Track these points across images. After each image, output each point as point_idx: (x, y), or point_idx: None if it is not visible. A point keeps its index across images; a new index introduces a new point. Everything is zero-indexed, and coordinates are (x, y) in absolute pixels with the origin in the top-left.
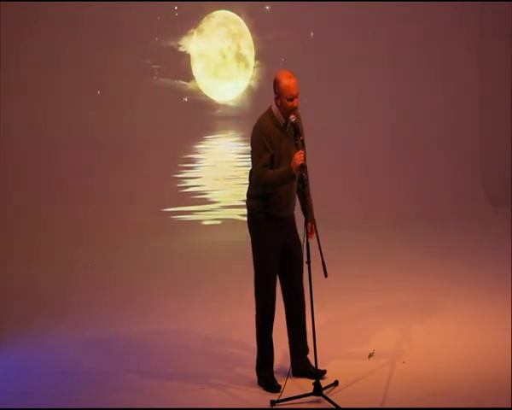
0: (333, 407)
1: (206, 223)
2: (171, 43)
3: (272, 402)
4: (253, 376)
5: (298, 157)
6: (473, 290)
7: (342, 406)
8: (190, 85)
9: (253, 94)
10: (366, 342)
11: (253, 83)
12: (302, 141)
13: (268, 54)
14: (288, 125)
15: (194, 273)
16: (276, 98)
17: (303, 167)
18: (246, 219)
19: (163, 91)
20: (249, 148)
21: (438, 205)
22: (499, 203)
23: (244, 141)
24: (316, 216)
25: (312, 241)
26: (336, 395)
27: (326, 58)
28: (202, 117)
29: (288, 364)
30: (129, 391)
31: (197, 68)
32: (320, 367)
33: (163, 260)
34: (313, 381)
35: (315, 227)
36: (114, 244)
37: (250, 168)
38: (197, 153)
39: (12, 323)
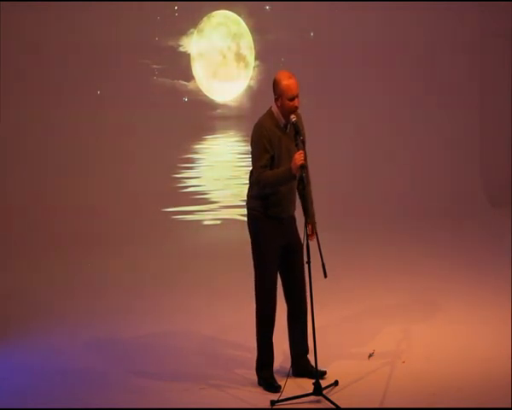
0: (333, 407)
1: (206, 223)
2: (171, 43)
3: (272, 402)
4: (253, 376)
5: (298, 157)
6: (472, 290)
7: (342, 406)
8: (190, 85)
9: (253, 94)
10: (366, 342)
11: (252, 83)
12: (302, 141)
13: (268, 54)
14: (289, 125)
15: (194, 273)
16: (276, 99)
17: (303, 168)
18: (246, 219)
19: (163, 91)
20: (249, 148)
21: (438, 205)
22: (499, 203)
23: (244, 141)
24: (316, 216)
25: (312, 241)
26: (336, 395)
27: (326, 58)
28: (202, 117)
29: (288, 364)
30: (128, 392)
31: (197, 68)
32: (320, 367)
33: (163, 260)
34: (313, 381)
35: (315, 229)
36: (114, 244)
37: (250, 169)
38: (197, 153)
39: (12, 324)
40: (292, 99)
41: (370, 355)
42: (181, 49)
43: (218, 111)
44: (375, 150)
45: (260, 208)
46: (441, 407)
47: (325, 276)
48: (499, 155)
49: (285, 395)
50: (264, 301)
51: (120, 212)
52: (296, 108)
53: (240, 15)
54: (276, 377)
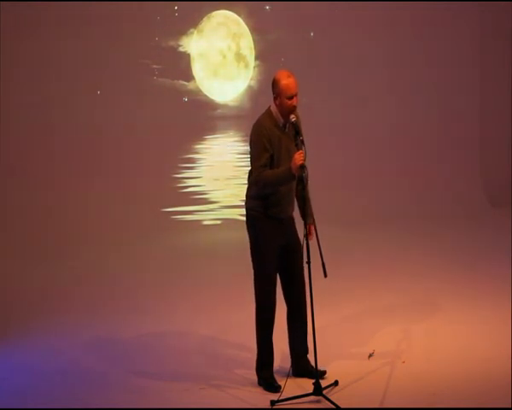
0: (333, 407)
1: (206, 223)
2: (171, 43)
3: (272, 402)
4: (253, 376)
5: (298, 157)
6: (472, 291)
7: (342, 406)
8: (190, 85)
9: (253, 94)
10: (366, 342)
11: (252, 83)
12: (302, 141)
13: (268, 54)
14: (288, 125)
15: (194, 273)
16: (275, 98)
17: (303, 167)
18: (245, 219)
19: (163, 91)
20: (249, 148)
21: (438, 205)
22: (499, 203)
23: (244, 141)
24: (315, 216)
25: (312, 241)
26: (336, 395)
27: (326, 58)
28: (202, 117)
29: (288, 364)
30: (128, 392)
31: (197, 68)
32: (320, 367)
33: (163, 260)
34: (313, 381)
35: (315, 229)
36: (114, 244)
37: (249, 169)
38: (197, 153)
39: (12, 323)
40: (290, 98)
41: (370, 355)
42: (181, 49)
43: (218, 111)
44: (375, 150)
45: (259, 208)
46: (441, 407)
47: (325, 276)
48: (499, 155)
49: (285, 395)
50: (264, 301)
51: (120, 212)
52: (294, 107)
53: (240, 15)
54: (276, 377)
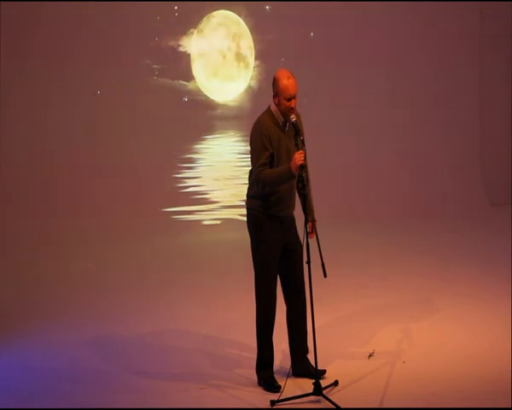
0: (333, 407)
1: (206, 223)
2: (171, 43)
3: (272, 402)
4: (253, 376)
5: (298, 157)
6: (472, 290)
7: (342, 406)
8: (190, 85)
9: (253, 94)
10: (366, 342)
11: (253, 83)
12: (302, 141)
13: (268, 54)
14: (288, 124)
15: (194, 273)
16: (274, 96)
17: (303, 167)
18: (245, 219)
19: (163, 91)
20: (249, 147)
21: (437, 205)
22: (498, 203)
23: (244, 141)
24: (316, 216)
25: (312, 241)
26: (336, 395)
27: (326, 58)
28: (202, 117)
29: (288, 364)
30: (129, 391)
31: (197, 68)
32: (320, 367)
33: (163, 260)
34: (313, 381)
35: (315, 227)
36: (114, 244)
37: (250, 168)
38: (197, 153)
39: (12, 323)
40: (289, 99)
41: (370, 355)
42: (181, 49)
43: (218, 111)
44: (375, 150)
45: (260, 208)
46: (441, 407)
47: (325, 276)
48: (499, 155)
49: (285, 395)
50: (264, 301)
51: (120, 212)
52: (292, 108)
53: (240, 15)
54: (276, 377)
